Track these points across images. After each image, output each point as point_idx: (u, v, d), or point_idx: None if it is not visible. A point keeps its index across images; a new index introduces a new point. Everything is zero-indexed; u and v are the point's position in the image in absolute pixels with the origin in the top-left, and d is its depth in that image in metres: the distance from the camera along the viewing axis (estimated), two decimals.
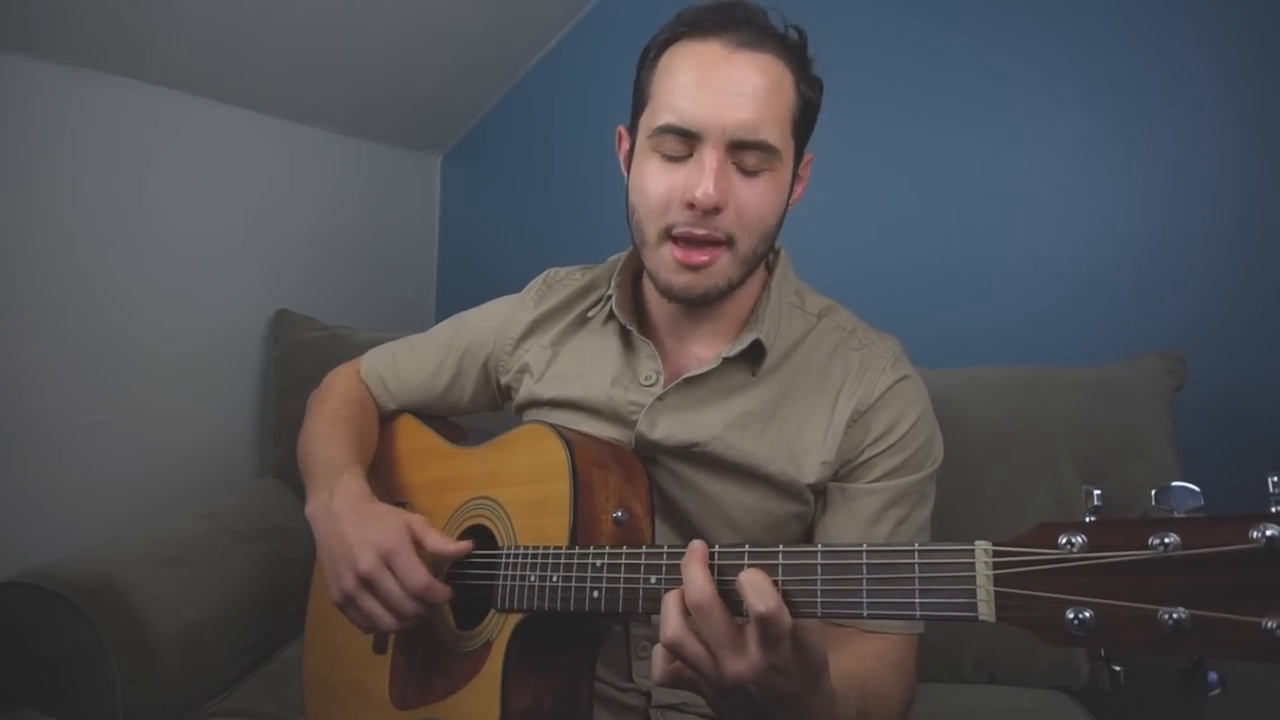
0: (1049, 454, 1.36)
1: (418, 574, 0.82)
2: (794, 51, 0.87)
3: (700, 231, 0.84)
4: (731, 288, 0.88)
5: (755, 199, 0.85)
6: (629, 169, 0.92)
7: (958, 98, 1.95)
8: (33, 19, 1.19)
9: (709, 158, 0.82)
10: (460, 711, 0.86)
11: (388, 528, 0.85)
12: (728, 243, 0.85)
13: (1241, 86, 1.79)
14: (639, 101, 0.90)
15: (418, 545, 0.85)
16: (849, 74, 2.01)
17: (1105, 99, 1.87)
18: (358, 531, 0.86)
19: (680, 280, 0.86)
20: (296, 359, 1.66)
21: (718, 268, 0.86)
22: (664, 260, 0.87)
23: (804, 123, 0.89)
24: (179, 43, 1.40)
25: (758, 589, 0.60)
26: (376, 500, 0.93)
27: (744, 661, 0.61)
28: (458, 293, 2.27)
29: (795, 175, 0.91)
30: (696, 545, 0.66)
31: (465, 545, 0.87)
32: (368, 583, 0.84)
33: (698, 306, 0.91)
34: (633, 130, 0.92)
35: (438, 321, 1.18)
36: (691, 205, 0.82)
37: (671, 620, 0.64)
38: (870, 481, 0.90)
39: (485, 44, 2.02)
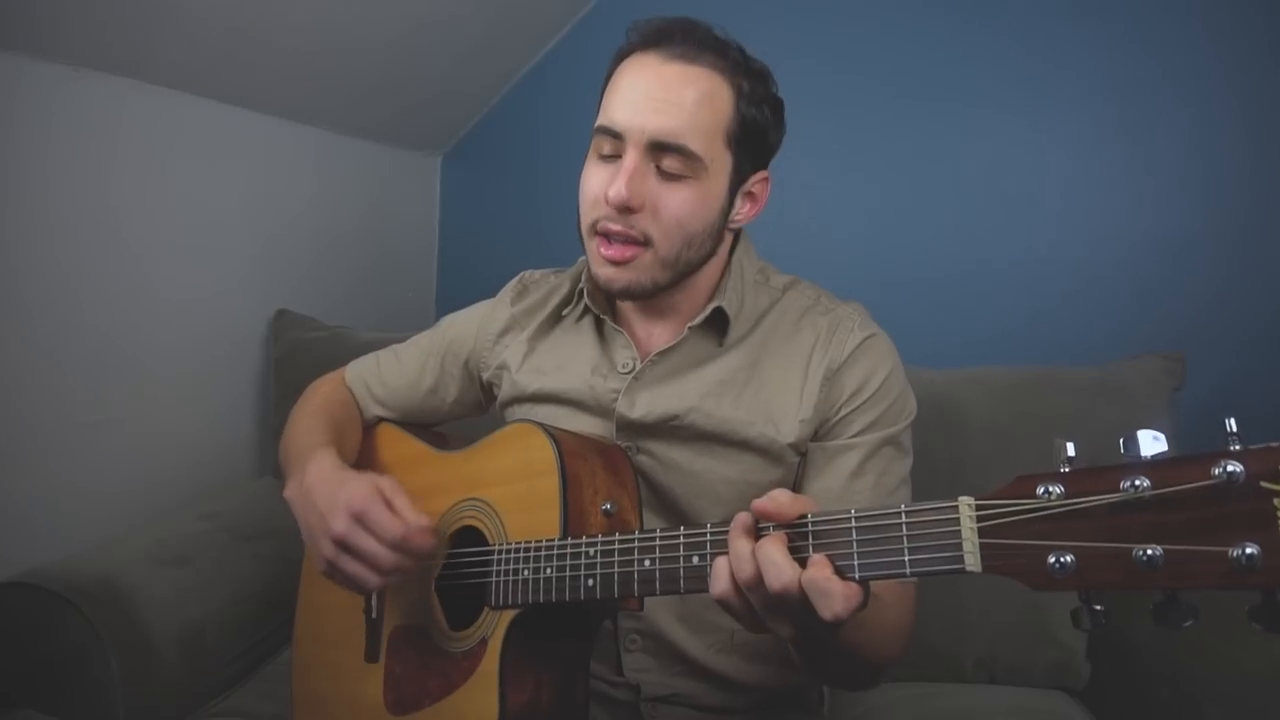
0: (1049, 454, 1.36)
1: (392, 525, 0.82)
2: (735, 69, 0.89)
3: (615, 227, 0.88)
4: (657, 288, 0.91)
5: (674, 203, 0.87)
6: None
7: (959, 97, 1.95)
8: (33, 19, 1.19)
9: (628, 158, 0.86)
10: (459, 710, 0.86)
11: (355, 489, 0.85)
12: (644, 242, 0.88)
13: (1245, 87, 1.79)
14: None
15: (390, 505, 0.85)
16: (849, 74, 2.03)
17: (1107, 99, 1.87)
18: (327, 499, 0.87)
19: (604, 273, 0.91)
20: (296, 359, 1.66)
21: (639, 264, 0.89)
22: (593, 253, 0.92)
23: (746, 140, 0.91)
24: (179, 43, 1.40)
25: (776, 565, 0.62)
26: (348, 469, 0.92)
27: (787, 624, 0.65)
28: (458, 292, 2.26)
29: (741, 192, 0.93)
30: (742, 517, 0.67)
31: (424, 521, 0.85)
32: (344, 545, 0.84)
33: (623, 300, 0.95)
34: None
35: (437, 321, 1.18)
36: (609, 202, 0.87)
37: (720, 580, 0.67)
38: (849, 437, 0.93)
39: (485, 44, 2.02)
